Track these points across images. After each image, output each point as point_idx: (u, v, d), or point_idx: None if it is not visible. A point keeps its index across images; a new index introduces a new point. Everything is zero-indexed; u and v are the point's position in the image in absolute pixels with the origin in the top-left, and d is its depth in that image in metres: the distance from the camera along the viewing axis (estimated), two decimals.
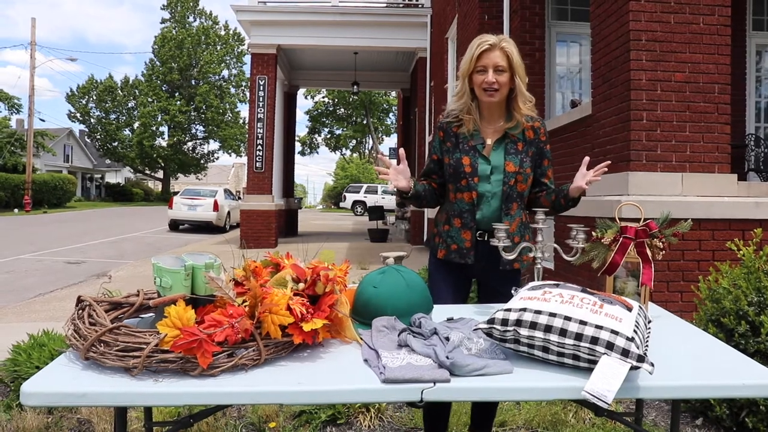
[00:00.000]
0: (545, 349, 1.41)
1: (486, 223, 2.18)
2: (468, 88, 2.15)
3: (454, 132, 2.21)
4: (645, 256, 1.85)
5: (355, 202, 32.64)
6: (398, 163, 2.19)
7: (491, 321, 1.46)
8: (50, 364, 1.41)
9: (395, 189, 2.17)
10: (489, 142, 2.18)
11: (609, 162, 2.15)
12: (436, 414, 2.28)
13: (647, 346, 1.48)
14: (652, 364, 1.30)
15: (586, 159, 2.11)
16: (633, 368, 1.30)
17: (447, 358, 1.36)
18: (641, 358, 1.30)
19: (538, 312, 1.42)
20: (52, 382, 1.30)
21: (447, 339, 1.47)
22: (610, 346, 1.32)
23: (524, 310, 1.44)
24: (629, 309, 1.46)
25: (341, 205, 35.18)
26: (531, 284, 1.66)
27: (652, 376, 1.34)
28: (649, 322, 1.62)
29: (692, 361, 1.54)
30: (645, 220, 1.89)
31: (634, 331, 1.37)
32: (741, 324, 2.74)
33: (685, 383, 1.39)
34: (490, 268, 2.21)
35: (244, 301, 1.47)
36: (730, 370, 1.47)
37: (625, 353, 1.31)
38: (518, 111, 2.15)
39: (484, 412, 2.41)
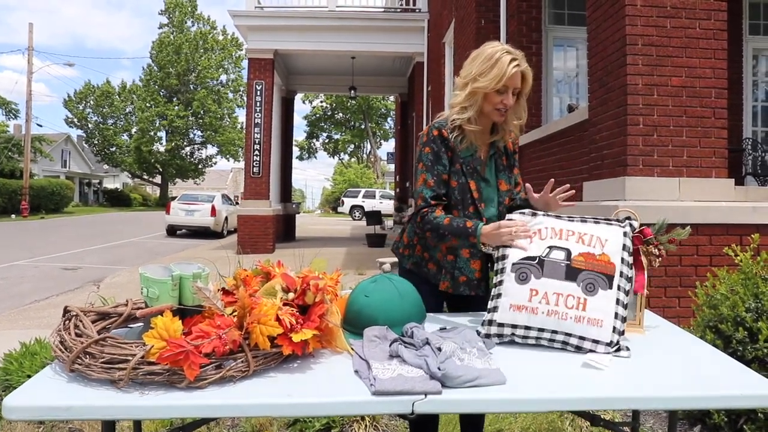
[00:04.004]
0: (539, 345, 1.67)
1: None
2: (479, 103, 1.99)
3: (459, 150, 2.03)
4: (638, 262, 1.83)
5: (353, 207, 32.61)
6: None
7: (487, 336, 1.67)
8: (35, 377, 1.38)
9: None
10: (482, 157, 2.07)
11: (573, 192, 2.00)
12: (423, 425, 2.23)
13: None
14: (628, 348, 1.60)
15: (551, 181, 1.97)
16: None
17: (438, 369, 1.34)
18: (619, 349, 1.59)
19: (528, 328, 1.65)
20: (37, 396, 1.27)
21: (439, 349, 1.44)
22: (592, 350, 1.59)
23: (515, 326, 1.65)
24: (611, 276, 1.65)
25: (339, 209, 35.14)
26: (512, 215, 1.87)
27: (649, 387, 1.35)
28: (631, 278, 1.72)
29: (689, 371, 1.52)
30: (640, 225, 1.87)
31: (615, 315, 1.61)
32: (739, 330, 2.72)
33: (682, 394, 1.38)
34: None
35: (233, 312, 1.45)
36: (727, 381, 1.45)
37: (607, 349, 1.59)
38: (507, 126, 2.07)
39: (471, 426, 2.28)
